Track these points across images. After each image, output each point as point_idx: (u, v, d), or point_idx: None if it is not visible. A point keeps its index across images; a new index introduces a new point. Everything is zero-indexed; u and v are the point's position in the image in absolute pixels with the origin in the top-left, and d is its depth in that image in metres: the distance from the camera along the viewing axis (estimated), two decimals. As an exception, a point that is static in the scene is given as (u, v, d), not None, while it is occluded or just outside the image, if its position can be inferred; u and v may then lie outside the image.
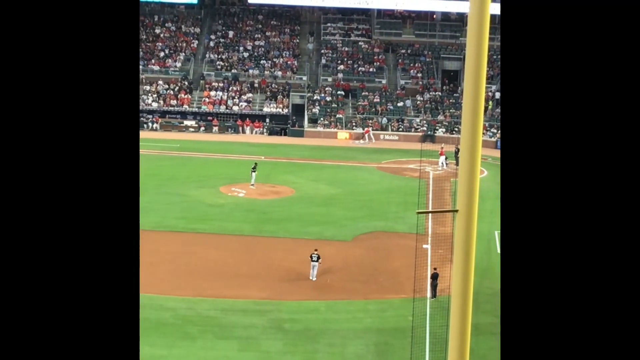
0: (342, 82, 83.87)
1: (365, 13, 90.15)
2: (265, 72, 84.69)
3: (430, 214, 45.29)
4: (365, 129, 77.47)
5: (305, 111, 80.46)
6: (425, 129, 78.42)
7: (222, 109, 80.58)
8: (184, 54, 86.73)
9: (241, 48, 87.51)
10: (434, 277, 34.72)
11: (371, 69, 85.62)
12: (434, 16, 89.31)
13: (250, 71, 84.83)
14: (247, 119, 79.66)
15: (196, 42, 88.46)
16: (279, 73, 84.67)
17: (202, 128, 78.86)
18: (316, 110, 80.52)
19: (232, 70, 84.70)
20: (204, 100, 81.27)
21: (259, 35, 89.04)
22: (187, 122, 79.42)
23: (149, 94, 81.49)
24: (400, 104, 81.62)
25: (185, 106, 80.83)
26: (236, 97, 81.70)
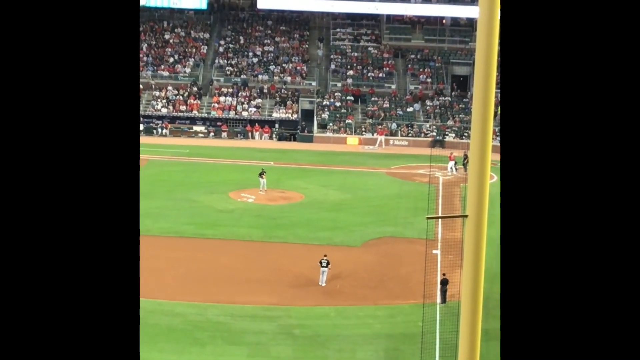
0: (351, 88, 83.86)
1: (374, 18, 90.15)
2: (275, 78, 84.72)
3: (440, 220, 45.21)
4: (379, 130, 77.59)
5: (315, 116, 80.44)
6: (434, 134, 78.37)
7: (232, 114, 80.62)
8: (193, 59, 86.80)
9: (250, 53, 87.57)
10: (444, 282, 34.66)
11: (380, 74, 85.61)
12: (444, 21, 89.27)
13: (260, 77, 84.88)
14: (257, 124, 79.69)
15: (205, 47, 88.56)
16: (288, 78, 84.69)
17: (212, 134, 78.92)
18: (325, 115, 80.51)
19: (242, 76, 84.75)
20: (213, 106, 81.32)
21: (268, 41, 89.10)
22: (196, 128, 79.48)
23: (159, 100, 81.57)
24: (410, 109, 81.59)
25: (195, 112, 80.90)
26: (245, 103, 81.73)
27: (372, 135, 77.99)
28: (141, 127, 72.28)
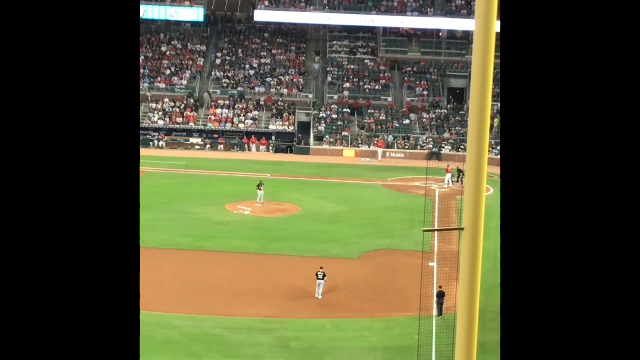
0: (347, 100, 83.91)
1: (371, 31, 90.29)
2: (271, 90, 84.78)
3: (436, 232, 45.21)
4: (378, 142, 77.71)
5: (311, 129, 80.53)
6: (431, 146, 78.44)
7: (228, 126, 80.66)
8: (190, 71, 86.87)
9: (247, 66, 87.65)
10: (440, 295, 34.64)
11: (377, 87, 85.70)
12: (440, 34, 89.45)
13: (256, 89, 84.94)
14: (253, 136, 79.73)
15: (202, 59, 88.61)
16: (285, 91, 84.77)
17: (208, 146, 78.91)
18: (322, 127, 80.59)
19: (238, 88, 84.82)
20: (210, 118, 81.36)
21: (265, 53, 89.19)
22: (192, 140, 79.48)
23: (155, 112, 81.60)
24: (406, 121, 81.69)
25: (191, 124, 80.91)
26: (242, 115, 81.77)
27: (369, 147, 78.06)
28: (137, 139, 72.10)
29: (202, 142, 79.28)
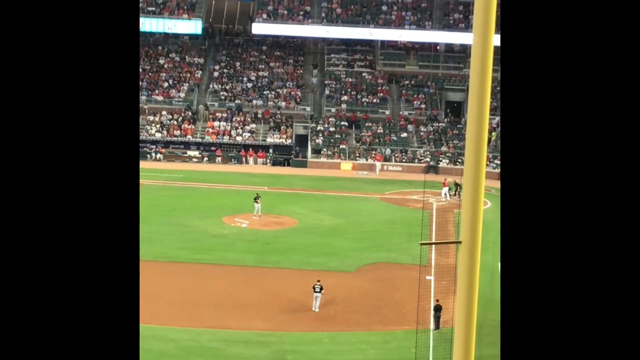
0: (345, 113, 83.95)
1: (369, 44, 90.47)
2: (269, 103, 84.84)
3: (433, 245, 45.17)
4: (377, 155, 77.75)
5: (309, 142, 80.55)
6: (428, 160, 78.48)
7: (226, 139, 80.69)
8: (187, 84, 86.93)
9: (245, 78, 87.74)
10: (437, 308, 34.60)
11: (375, 100, 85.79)
12: (438, 47, 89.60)
13: (254, 102, 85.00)
14: (251, 149, 79.76)
15: (200, 72, 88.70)
16: (283, 104, 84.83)
17: (206, 158, 78.93)
18: (319, 140, 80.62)
19: (236, 101, 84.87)
20: (208, 131, 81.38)
21: (263, 66, 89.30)
22: (190, 153, 79.52)
23: (153, 124, 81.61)
24: (404, 134, 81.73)
25: (189, 136, 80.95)
26: (240, 128, 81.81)
27: (366, 160, 78.10)
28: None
29: (199, 155, 79.31)
